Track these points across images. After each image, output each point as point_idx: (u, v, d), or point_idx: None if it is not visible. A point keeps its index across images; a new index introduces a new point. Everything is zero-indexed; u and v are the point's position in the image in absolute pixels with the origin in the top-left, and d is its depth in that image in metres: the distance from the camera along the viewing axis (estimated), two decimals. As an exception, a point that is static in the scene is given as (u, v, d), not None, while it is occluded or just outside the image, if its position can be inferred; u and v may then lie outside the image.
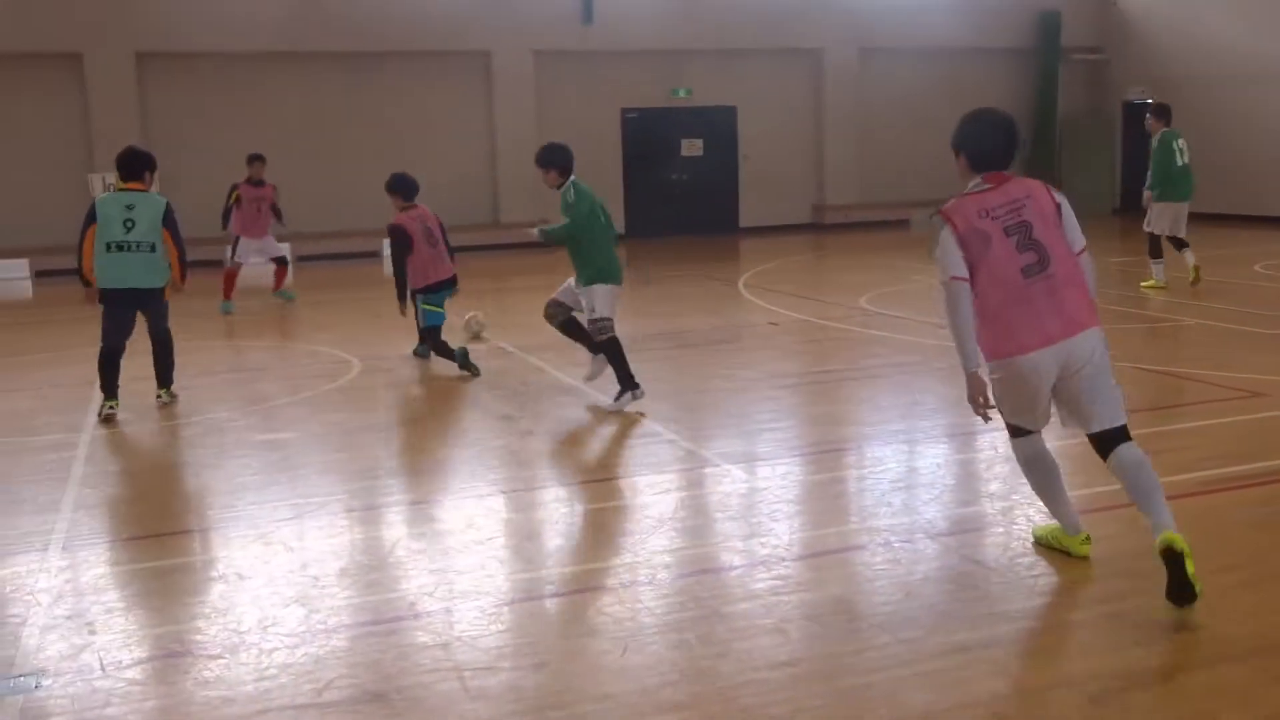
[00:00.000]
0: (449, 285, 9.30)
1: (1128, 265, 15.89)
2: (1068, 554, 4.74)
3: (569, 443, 6.92)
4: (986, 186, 4.56)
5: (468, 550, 5.08)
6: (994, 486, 5.93)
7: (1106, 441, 4.47)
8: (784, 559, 4.89)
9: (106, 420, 7.59)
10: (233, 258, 13.07)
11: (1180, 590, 4.08)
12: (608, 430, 7.17)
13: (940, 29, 21.89)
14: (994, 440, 6.81)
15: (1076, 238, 4.51)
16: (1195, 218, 15.07)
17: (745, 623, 4.22)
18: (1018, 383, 4.43)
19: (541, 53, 19.90)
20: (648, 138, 21.01)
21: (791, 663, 3.89)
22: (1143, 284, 12.47)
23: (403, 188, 9.29)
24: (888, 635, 4.08)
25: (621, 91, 20.68)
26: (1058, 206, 4.50)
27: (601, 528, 5.36)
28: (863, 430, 7.30)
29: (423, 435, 7.36)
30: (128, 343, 7.82)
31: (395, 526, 5.49)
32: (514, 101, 19.88)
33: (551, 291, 8.19)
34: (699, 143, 21.45)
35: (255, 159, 13.08)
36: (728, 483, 6.05)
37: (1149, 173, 12.01)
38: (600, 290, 7.74)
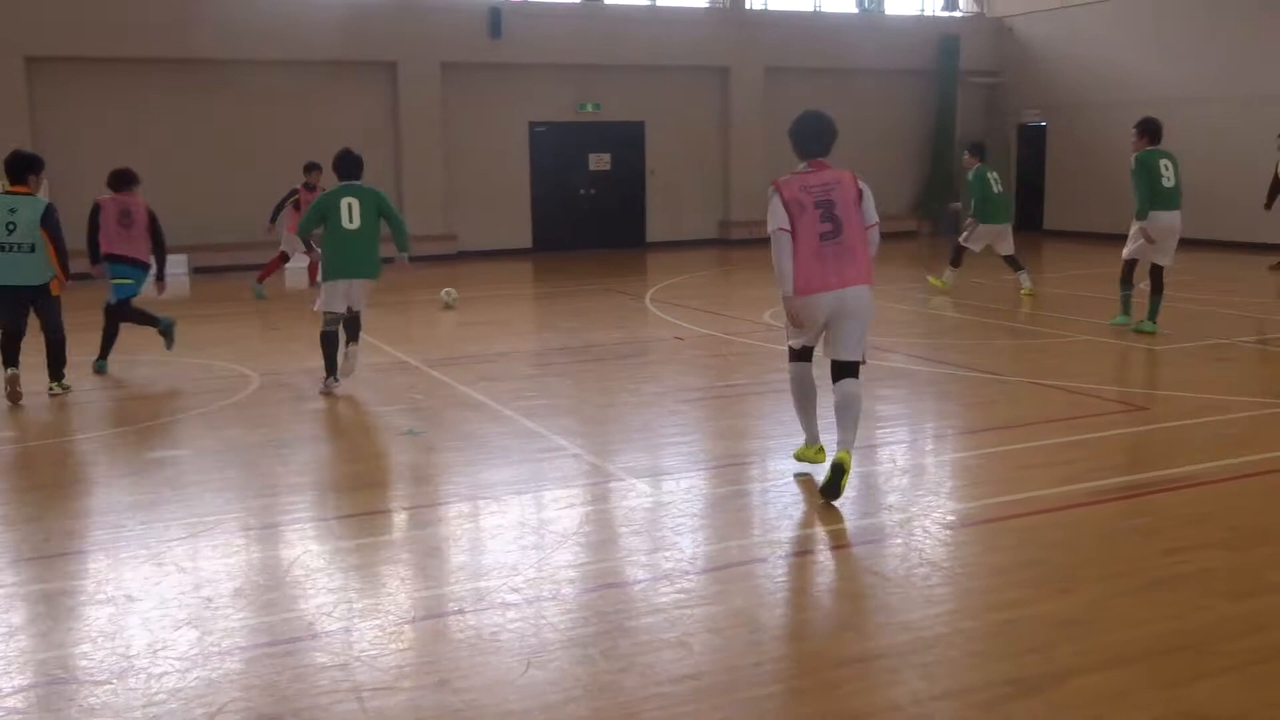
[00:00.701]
0: (138, 267, 9.67)
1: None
2: (806, 460, 6.33)
3: (473, 458, 6.87)
4: (809, 169, 5.98)
5: (368, 568, 5.01)
6: (893, 499, 6.03)
7: (841, 369, 6.01)
8: (688, 573, 4.91)
9: (10, 386, 8.28)
10: (308, 250, 13.91)
11: (832, 491, 5.73)
12: (512, 444, 7.14)
13: (844, 50, 22.31)
14: (893, 454, 6.95)
15: (871, 216, 5.97)
16: (1089, 238, 15.50)
17: (649, 637, 4.23)
18: (806, 311, 5.92)
19: (449, 65, 19.78)
20: (555, 151, 21.02)
21: (694, 676, 3.91)
22: (931, 278, 14.43)
23: (121, 181, 9.74)
24: (788, 647, 4.13)
25: (529, 105, 20.66)
26: (859, 193, 5.94)
27: (505, 543, 5.32)
28: (766, 444, 7.37)
29: (323, 451, 7.24)
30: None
31: (293, 545, 5.38)
32: (421, 113, 19.73)
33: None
34: (607, 157, 21.52)
35: (313, 167, 14.13)
36: (632, 497, 6.06)
37: (971, 201, 13.78)
38: (326, 285, 8.77)
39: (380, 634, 4.29)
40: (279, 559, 5.21)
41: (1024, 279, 13.80)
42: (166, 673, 3.97)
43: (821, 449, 6.25)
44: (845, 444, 5.82)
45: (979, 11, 24.33)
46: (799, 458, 6.41)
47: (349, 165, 8.85)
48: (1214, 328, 11.18)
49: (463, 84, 20.07)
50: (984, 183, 13.66)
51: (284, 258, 14.75)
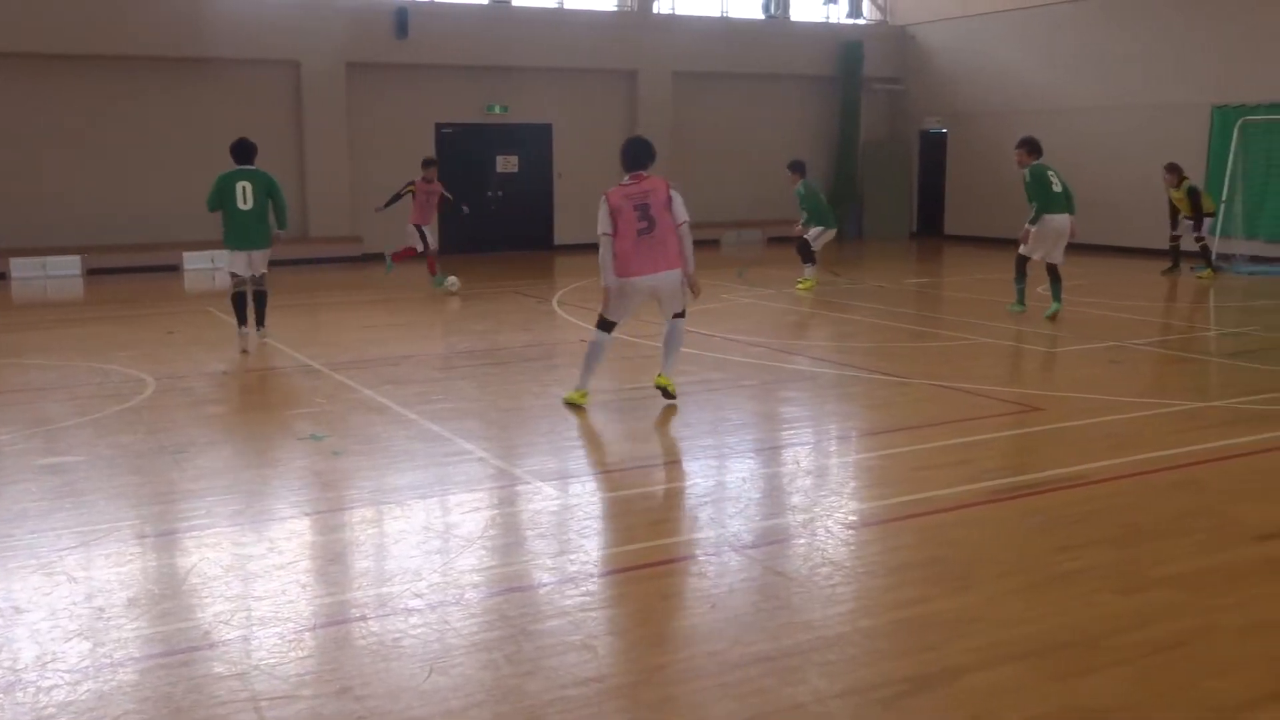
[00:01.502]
0: None
1: (924, 287, 16.70)
2: (571, 404, 8.00)
3: (376, 462, 6.78)
4: (630, 181, 7.87)
5: (268, 575, 4.91)
6: (797, 499, 6.11)
7: (672, 319, 8.01)
8: (593, 575, 4.91)
9: None
10: (424, 244, 15.33)
11: (667, 396, 7.99)
12: (417, 448, 7.06)
13: (751, 55, 22.55)
14: (796, 455, 7.04)
15: (680, 215, 7.77)
16: (988, 242, 15.74)
17: (553, 640, 4.23)
18: (626, 292, 7.77)
19: (354, 65, 19.52)
20: (463, 153, 20.87)
21: (598, 679, 3.91)
22: (799, 283, 15.21)
23: None
24: (692, 648, 4.15)
25: (436, 106, 20.48)
26: (669, 198, 7.75)
27: (409, 548, 5.26)
28: (672, 446, 7.41)
29: (222, 456, 7.07)
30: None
31: (190, 553, 5.25)
32: (324, 114, 19.43)
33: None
34: (515, 159, 21.43)
35: (430, 163, 15.34)
36: (538, 500, 6.04)
37: (804, 213, 15.39)
38: (229, 255, 10.70)
39: (280, 642, 4.21)
40: (175, 567, 5.08)
41: (808, 271, 15.26)
42: (56, 685, 3.85)
43: (585, 394, 8.07)
44: (666, 371, 8.14)
45: (882, 19, 24.77)
46: (568, 401, 8.08)
47: (243, 152, 10.64)
48: (1106, 331, 11.54)
49: (368, 84, 19.82)
50: (814, 193, 15.46)
51: (418, 248, 15.46)
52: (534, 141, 21.45)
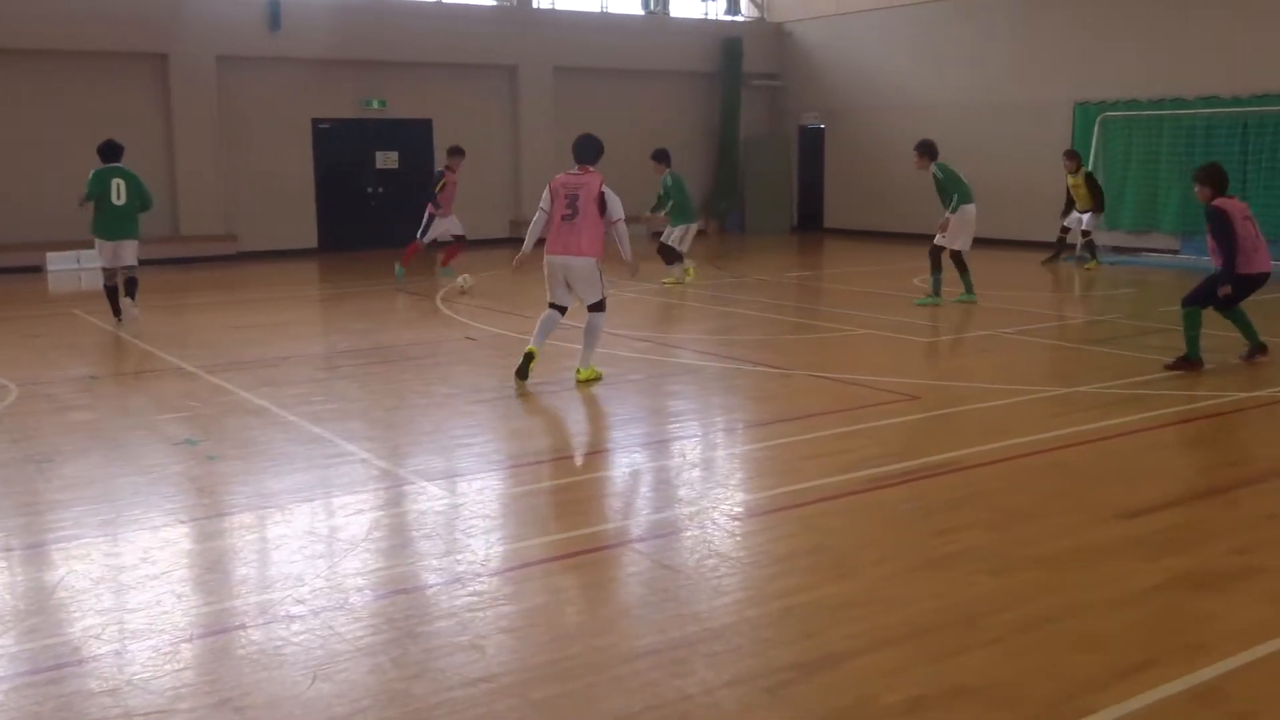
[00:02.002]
0: None
1: (805, 280, 16.99)
2: (527, 359, 8.66)
3: (256, 466, 6.61)
4: (576, 172, 8.65)
5: (141, 586, 4.75)
6: (684, 492, 6.16)
7: (590, 310, 8.76)
8: (480, 575, 4.88)
9: None
10: (423, 235, 15.63)
11: (521, 373, 8.71)
12: (297, 451, 6.91)
13: (631, 51, 22.63)
14: (683, 448, 7.10)
15: (614, 214, 8.54)
16: (866, 235, 16.06)
17: (441, 641, 4.18)
18: (548, 269, 8.67)
19: (225, 58, 18.99)
20: (341, 149, 20.49)
21: (487, 678, 3.88)
22: (664, 280, 15.19)
23: None
24: (581, 644, 4.15)
25: (312, 101, 20.06)
26: (601, 194, 8.47)
27: (290, 553, 5.15)
28: (558, 443, 7.40)
29: (91, 464, 6.81)
30: None
31: (58, 565, 5.05)
32: (195, 108, 18.86)
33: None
34: (395, 155, 21.12)
35: (457, 151, 15.66)
36: (424, 500, 5.97)
37: (668, 203, 15.37)
38: (99, 245, 11.89)
39: (155, 655, 4.08)
40: (41, 581, 4.88)
41: (675, 272, 15.21)
42: (-89, 711, 3.67)
43: (533, 352, 8.71)
44: (582, 364, 8.87)
45: (760, 16, 25.09)
46: (527, 352, 8.79)
47: (112, 152, 12.01)
48: (982, 320, 11.90)
49: (240, 78, 19.31)
50: (680, 186, 15.33)
51: (462, 240, 15.96)
52: (414, 137, 21.17)
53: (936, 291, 13.04)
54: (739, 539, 5.34)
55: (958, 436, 7.23)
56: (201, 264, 18.51)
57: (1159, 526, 5.41)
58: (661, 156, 15.66)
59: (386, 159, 21.07)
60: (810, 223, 24.97)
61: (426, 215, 15.64)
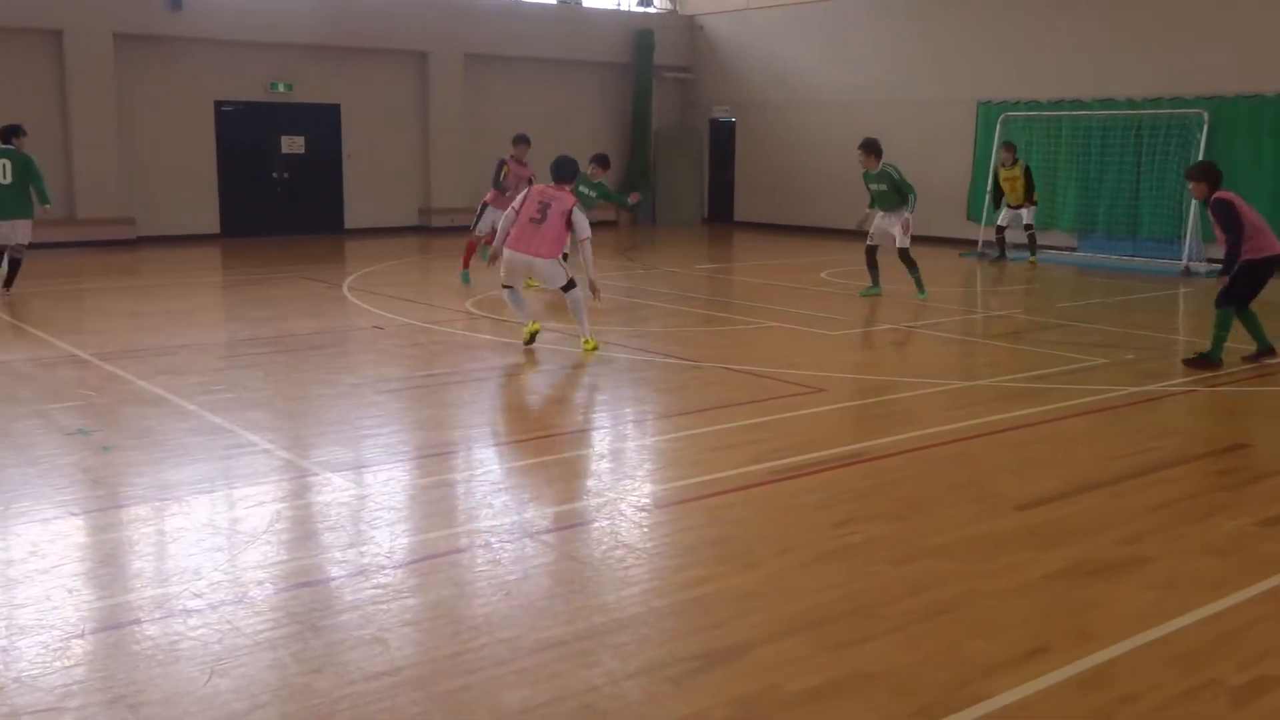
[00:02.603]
0: None
1: (715, 272, 17.11)
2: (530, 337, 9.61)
3: (152, 457, 6.44)
4: (553, 185, 9.72)
5: (30, 580, 4.60)
6: (592, 484, 6.17)
7: (564, 292, 9.67)
8: (384, 567, 4.82)
9: None
10: (475, 228, 14.07)
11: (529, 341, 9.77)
12: (196, 441, 6.75)
13: (544, 40, 22.51)
14: (592, 440, 7.10)
15: (582, 231, 9.50)
16: (777, 229, 16.22)
17: (343, 635, 4.13)
18: (509, 263, 9.51)
19: (123, 36, 18.43)
20: (245, 133, 20.04)
21: (390, 672, 3.85)
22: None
23: None
24: (486, 636, 4.13)
25: (215, 83, 19.58)
26: (570, 211, 9.45)
27: (188, 546, 5.03)
28: (467, 433, 7.35)
29: (-22, 455, 6.57)
30: None
31: (-59, 559, 4.87)
32: (91, 88, 18.26)
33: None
34: (301, 140, 20.74)
35: (522, 140, 14.45)
36: (328, 492, 5.89)
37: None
38: None
39: (44, 651, 3.96)
40: (-77, 576, 4.70)
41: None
42: None
43: (535, 325, 9.75)
44: (582, 333, 9.67)
45: (671, 9, 25.15)
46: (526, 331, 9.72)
47: (2, 134, 12.34)
48: (891, 314, 12.11)
49: (140, 58, 18.76)
50: (608, 194, 14.25)
51: (478, 239, 14.03)
52: (321, 122, 20.80)
53: (921, 287, 12.99)
54: (646, 530, 5.36)
55: (864, 428, 7.36)
56: (98, 248, 17.96)
57: (1052, 517, 5.56)
58: (603, 161, 14.56)
59: (292, 144, 20.67)
60: (721, 215, 25.14)
61: (480, 206, 14.12)
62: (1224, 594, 4.59)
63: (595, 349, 9.52)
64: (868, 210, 13.24)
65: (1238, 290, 9.13)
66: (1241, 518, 5.56)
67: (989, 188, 17.85)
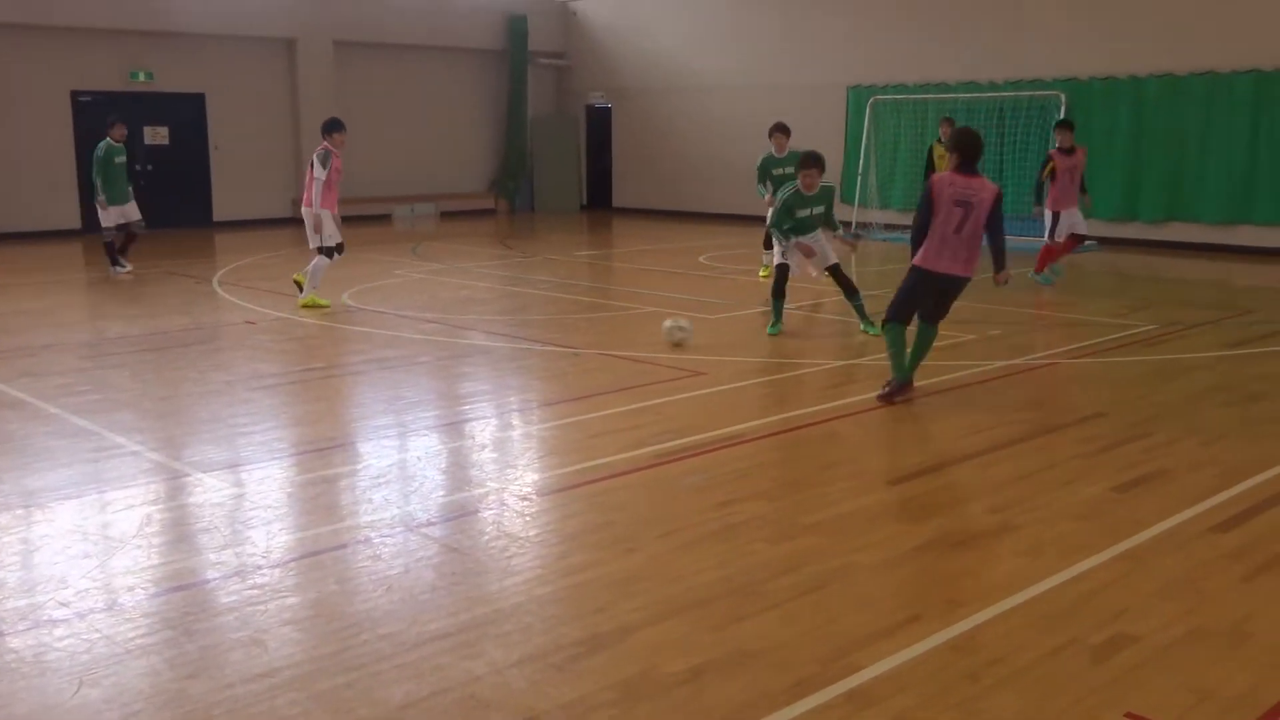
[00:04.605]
0: None
1: (594, 259, 17.13)
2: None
3: (14, 463, 6.19)
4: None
5: (-118, 597, 4.39)
6: (474, 474, 6.14)
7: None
8: (261, 567, 4.73)
9: None
10: (1052, 235, 12.75)
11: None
12: (60, 445, 6.51)
13: (415, 26, 22.17)
14: (473, 430, 7.07)
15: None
16: (652, 215, 16.28)
17: (219, 638, 4.05)
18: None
19: (-32, 24, 17.57)
20: (104, 124, 19.19)
21: (269, 673, 3.78)
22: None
23: None
24: (368, 633, 4.09)
25: (71, 72, 18.81)
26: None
27: (53, 554, 4.86)
28: (344, 428, 7.23)
29: None
30: None
31: None
32: (-65, 77, 17.38)
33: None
34: (164, 131, 20.07)
35: (1065, 125, 12.74)
36: (201, 493, 5.74)
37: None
38: None
39: (-101, 671, 3.79)
40: None
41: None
42: None
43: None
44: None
45: (546, -5, 25.04)
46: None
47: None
48: (766, 297, 12.28)
49: (-12, 45, 17.91)
50: None
51: (1059, 245, 12.77)
52: (186, 112, 20.16)
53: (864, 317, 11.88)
54: (529, 519, 5.36)
55: (740, 410, 7.47)
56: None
57: (922, 490, 5.74)
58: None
59: (155, 134, 19.99)
60: (599, 202, 25.16)
61: (1047, 216, 12.55)
62: (1084, 557, 4.80)
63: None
64: (798, 240, 10.15)
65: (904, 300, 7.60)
66: (1100, 484, 5.82)
67: (846, 177, 18.32)
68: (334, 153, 11.44)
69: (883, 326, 7.72)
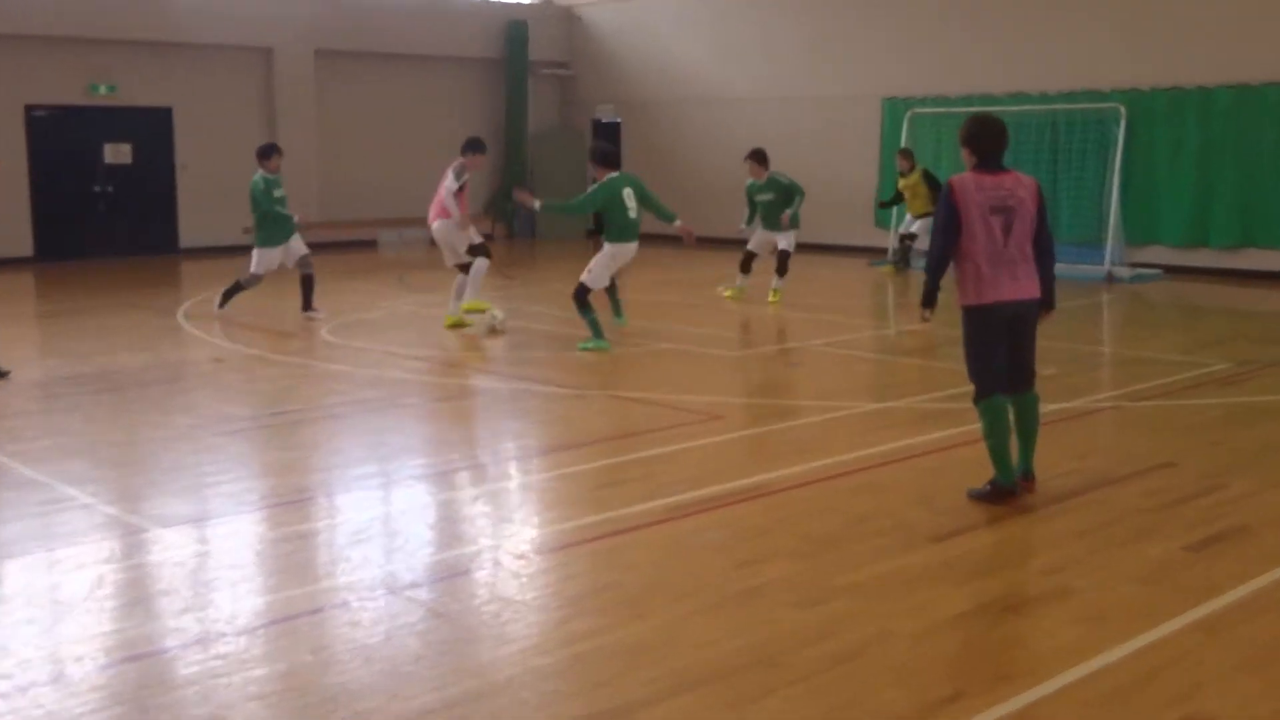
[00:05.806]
0: None
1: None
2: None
3: (-48, 517, 6.21)
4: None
5: None
6: (464, 530, 6.13)
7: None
8: (225, 634, 4.71)
9: None
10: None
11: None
12: (4, 498, 6.52)
13: (403, 33, 22.37)
14: (465, 480, 7.06)
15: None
16: (659, 239, 16.38)
17: (177, 714, 4.02)
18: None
19: (-87, 31, 17.80)
20: (61, 141, 19.48)
21: (231, 755, 3.75)
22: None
23: None
24: (344, 709, 4.06)
25: (25, 85, 19.01)
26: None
27: (-6, 620, 4.85)
28: (321, 478, 7.23)
29: None
30: None
31: None
32: (-124, 90, 17.58)
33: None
34: (127, 148, 20.26)
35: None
36: (160, 550, 5.73)
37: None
38: None
39: None
40: None
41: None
42: None
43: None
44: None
45: (547, -1, 25.28)
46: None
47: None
48: (790, 332, 12.28)
49: (-66, 55, 18.14)
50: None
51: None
52: (151, 128, 20.35)
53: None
54: (525, 580, 5.33)
55: (764, 458, 7.44)
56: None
57: (969, 548, 5.70)
58: (266, 152, 14.05)
59: (117, 152, 20.17)
60: (608, 226, 25.22)
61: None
62: (1151, 626, 4.74)
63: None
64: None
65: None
66: (1168, 542, 5.76)
67: (881, 196, 18.57)
68: (468, 170, 12.50)
69: (976, 406, 6.40)
